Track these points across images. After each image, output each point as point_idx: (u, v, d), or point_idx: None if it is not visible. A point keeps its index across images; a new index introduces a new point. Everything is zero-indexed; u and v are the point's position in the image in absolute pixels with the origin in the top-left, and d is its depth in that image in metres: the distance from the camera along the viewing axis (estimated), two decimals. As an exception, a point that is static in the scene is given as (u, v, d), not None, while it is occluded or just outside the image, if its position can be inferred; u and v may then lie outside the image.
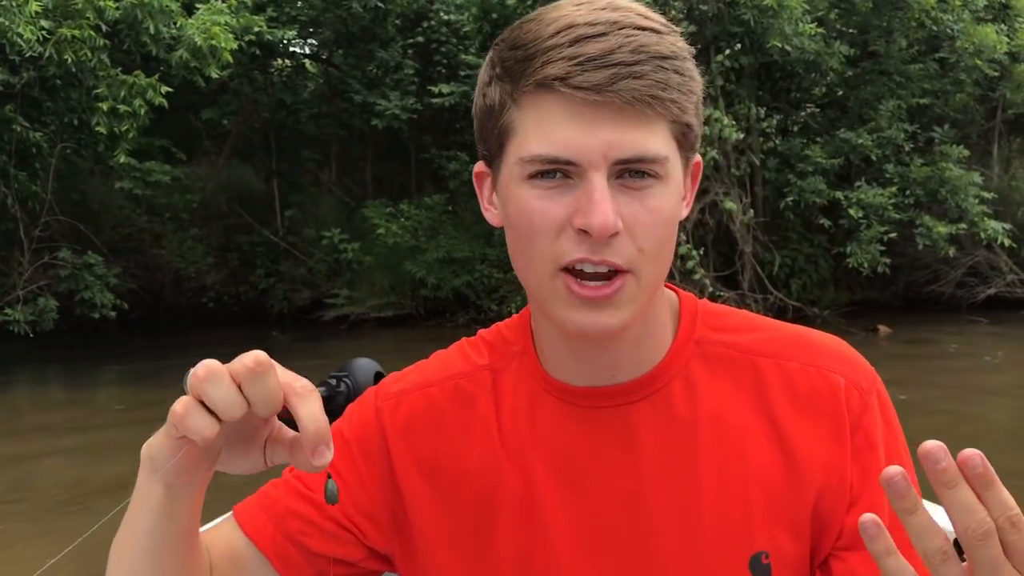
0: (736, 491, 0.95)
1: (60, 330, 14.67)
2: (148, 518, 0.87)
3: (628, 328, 0.91)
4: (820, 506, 0.95)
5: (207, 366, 0.76)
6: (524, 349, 1.03)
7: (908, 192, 14.23)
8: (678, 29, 0.91)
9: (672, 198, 0.90)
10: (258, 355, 0.76)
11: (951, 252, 14.24)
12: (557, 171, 0.87)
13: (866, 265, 13.95)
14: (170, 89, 12.44)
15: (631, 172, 0.87)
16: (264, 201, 19.03)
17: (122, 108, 12.13)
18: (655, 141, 0.86)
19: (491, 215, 0.98)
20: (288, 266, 18.25)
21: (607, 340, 0.93)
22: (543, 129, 0.86)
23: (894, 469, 0.67)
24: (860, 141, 14.23)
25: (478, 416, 1.02)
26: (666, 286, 1.01)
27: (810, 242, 15.30)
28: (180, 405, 0.77)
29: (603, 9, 0.87)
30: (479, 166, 0.99)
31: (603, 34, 0.84)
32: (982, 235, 14.16)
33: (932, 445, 0.66)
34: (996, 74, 14.88)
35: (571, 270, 0.88)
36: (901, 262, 14.98)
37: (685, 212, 0.95)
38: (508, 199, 0.91)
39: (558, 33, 0.86)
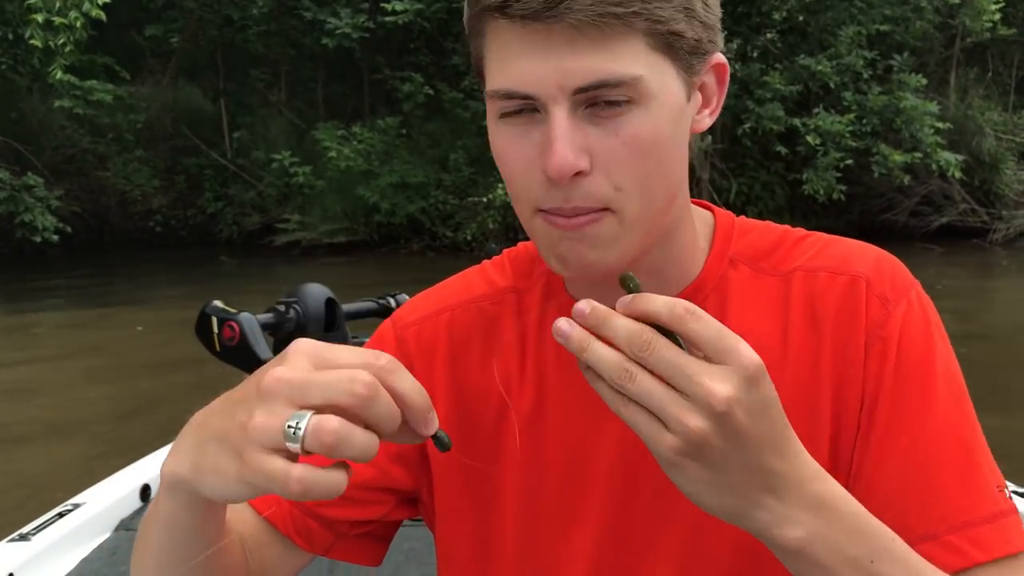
0: None
1: (1, 253, 14.26)
2: (190, 535, 0.77)
3: (619, 267, 0.80)
4: (836, 421, 0.87)
5: (367, 385, 0.63)
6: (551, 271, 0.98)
7: (865, 120, 14.19)
8: None
9: (658, 120, 0.77)
10: (363, 380, 0.63)
11: (906, 181, 14.29)
12: (523, 107, 0.76)
13: (822, 192, 13.96)
14: (107, 0, 11.89)
15: (603, 100, 0.75)
16: (211, 122, 18.51)
17: (57, 20, 11.59)
18: (621, 61, 0.73)
19: None
20: (237, 189, 17.85)
21: (605, 279, 0.80)
22: (501, 59, 0.76)
23: (579, 304, 0.66)
24: (819, 68, 14.13)
25: (501, 338, 0.96)
26: (700, 204, 0.96)
27: (767, 169, 15.26)
28: (328, 431, 0.61)
29: None
30: None
31: None
32: (934, 166, 14.22)
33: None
34: (956, 1, 14.78)
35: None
36: (857, 191, 15.01)
37: (709, 121, 0.85)
38: (491, 136, 0.82)
39: None
